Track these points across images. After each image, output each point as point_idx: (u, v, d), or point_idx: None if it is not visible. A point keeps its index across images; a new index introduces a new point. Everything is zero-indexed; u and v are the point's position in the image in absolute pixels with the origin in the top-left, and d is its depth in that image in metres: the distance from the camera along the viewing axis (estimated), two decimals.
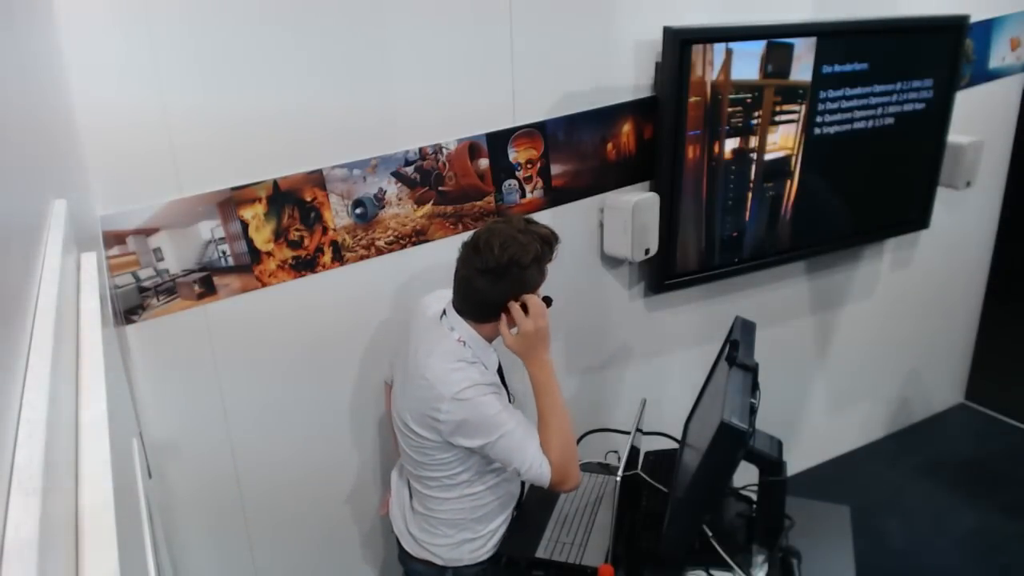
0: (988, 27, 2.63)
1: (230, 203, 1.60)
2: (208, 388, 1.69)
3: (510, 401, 1.51)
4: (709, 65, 1.99)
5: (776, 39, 2.08)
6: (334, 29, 1.60)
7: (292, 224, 1.68)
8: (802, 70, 2.14)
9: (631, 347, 2.34)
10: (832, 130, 2.27)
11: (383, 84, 1.69)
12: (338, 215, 1.72)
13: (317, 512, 1.93)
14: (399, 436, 1.57)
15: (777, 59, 2.09)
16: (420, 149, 1.78)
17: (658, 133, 2.06)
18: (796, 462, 2.81)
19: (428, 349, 1.47)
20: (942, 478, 2.91)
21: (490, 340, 1.52)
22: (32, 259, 0.65)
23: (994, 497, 2.78)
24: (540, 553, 1.59)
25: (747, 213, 2.25)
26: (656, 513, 1.60)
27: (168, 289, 1.59)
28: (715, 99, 2.04)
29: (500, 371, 1.57)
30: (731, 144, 2.13)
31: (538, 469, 1.42)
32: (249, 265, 1.65)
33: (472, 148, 1.84)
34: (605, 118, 2.01)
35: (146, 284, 1.56)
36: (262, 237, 1.65)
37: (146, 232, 1.54)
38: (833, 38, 2.15)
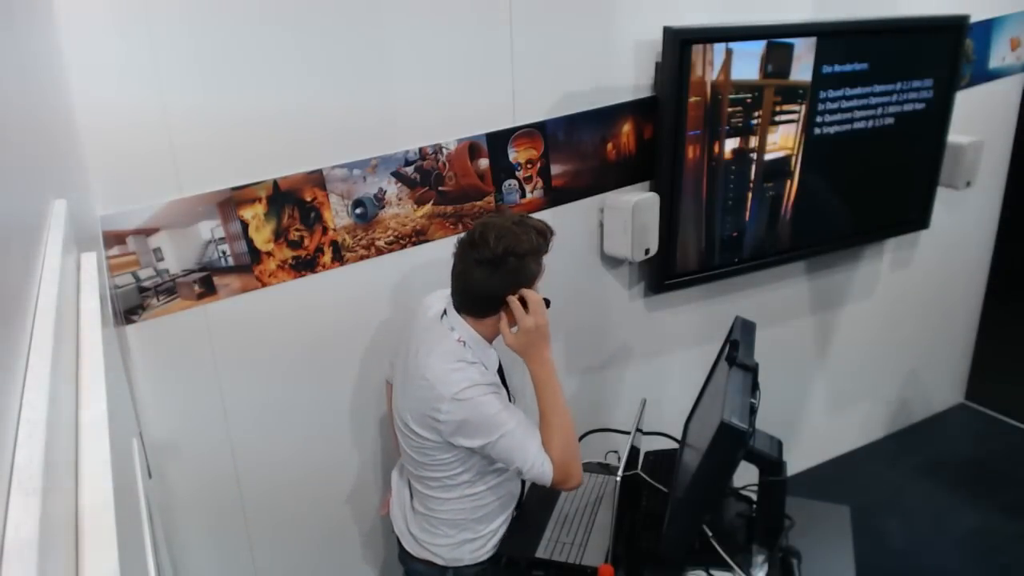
0: (988, 27, 2.63)
1: (230, 203, 1.60)
2: (208, 388, 1.69)
3: (510, 400, 1.51)
4: (709, 65, 1.99)
5: (776, 39, 2.08)
6: (334, 29, 1.60)
7: (292, 224, 1.68)
8: (802, 70, 2.14)
9: (631, 347, 2.34)
10: (832, 130, 2.27)
11: (383, 84, 1.69)
12: (338, 215, 1.72)
13: (317, 512, 1.93)
14: (400, 436, 1.57)
15: (777, 59, 2.09)
16: (420, 149, 1.78)
17: (658, 133, 2.06)
18: (796, 462, 2.81)
19: (428, 349, 1.47)
20: (942, 478, 2.91)
21: (490, 340, 1.52)
22: (32, 259, 0.65)
23: (994, 497, 2.78)
24: (540, 553, 1.59)
25: (747, 213, 2.25)
26: (656, 513, 1.60)
27: (168, 289, 1.59)
28: (715, 99, 2.04)
29: (500, 371, 1.57)
30: (731, 144, 2.13)
31: (540, 468, 1.42)
32: (249, 265, 1.65)
33: (472, 148, 1.84)
34: (605, 118, 2.01)
35: (146, 284, 1.56)
36: (262, 237, 1.65)
37: (146, 232, 1.54)
38: (833, 38, 2.15)
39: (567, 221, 2.01)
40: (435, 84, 1.75)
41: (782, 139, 2.21)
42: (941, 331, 3.17)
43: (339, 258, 1.75)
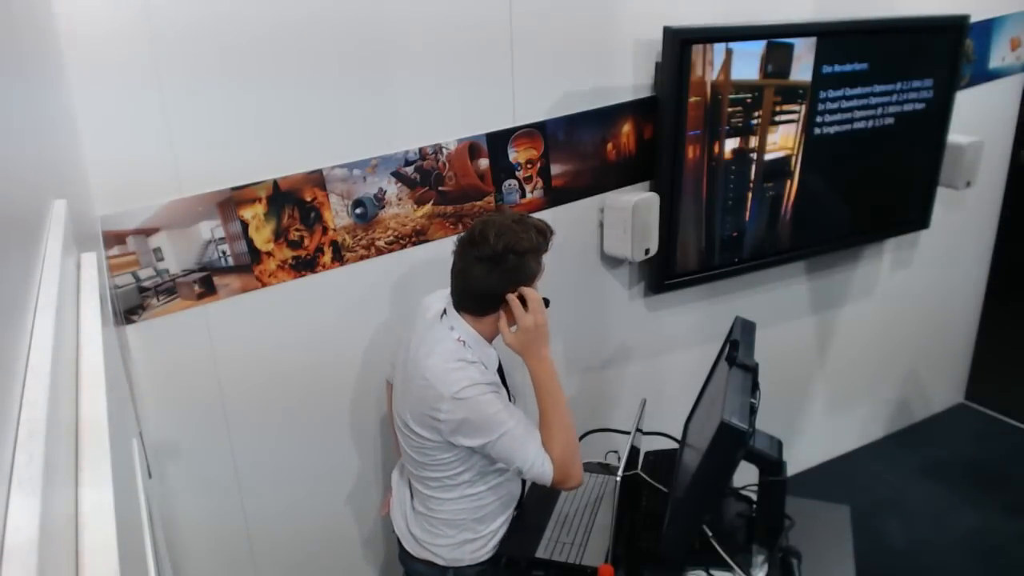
0: (988, 27, 2.63)
1: (230, 203, 1.60)
2: (208, 388, 1.69)
3: (510, 400, 1.50)
4: (709, 65, 1.99)
5: (776, 39, 2.08)
6: (334, 29, 1.60)
7: (292, 224, 1.68)
8: (802, 70, 2.14)
9: (631, 347, 2.34)
10: (832, 130, 2.27)
11: (383, 84, 1.69)
12: (338, 215, 1.72)
13: (317, 512, 1.93)
14: (400, 436, 1.57)
15: (777, 59, 2.09)
16: (420, 149, 1.78)
17: (658, 133, 2.06)
18: (796, 462, 2.81)
19: (428, 349, 1.47)
20: (942, 478, 2.91)
21: (490, 339, 1.52)
22: (32, 259, 0.65)
23: (994, 497, 2.78)
24: (540, 553, 1.59)
25: (747, 213, 2.25)
26: (656, 513, 1.60)
27: (168, 289, 1.59)
28: (715, 99, 2.04)
29: (500, 370, 1.57)
30: (731, 144, 2.13)
31: (540, 467, 1.42)
32: (249, 265, 1.65)
33: (472, 148, 1.84)
34: (605, 118, 2.01)
35: (146, 284, 1.56)
36: (262, 237, 1.65)
37: (146, 232, 1.54)
38: (833, 38, 2.15)
39: (567, 221, 2.01)
40: (435, 84, 1.75)
41: (782, 139, 2.21)
42: (941, 331, 3.17)
43: (339, 258, 1.75)
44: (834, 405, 2.96)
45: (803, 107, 2.19)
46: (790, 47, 2.11)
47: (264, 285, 1.68)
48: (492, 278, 1.44)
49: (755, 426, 1.37)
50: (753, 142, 2.16)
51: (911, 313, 2.99)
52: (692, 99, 2.01)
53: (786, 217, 2.32)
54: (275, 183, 1.63)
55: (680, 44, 1.91)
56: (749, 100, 2.10)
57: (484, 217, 1.50)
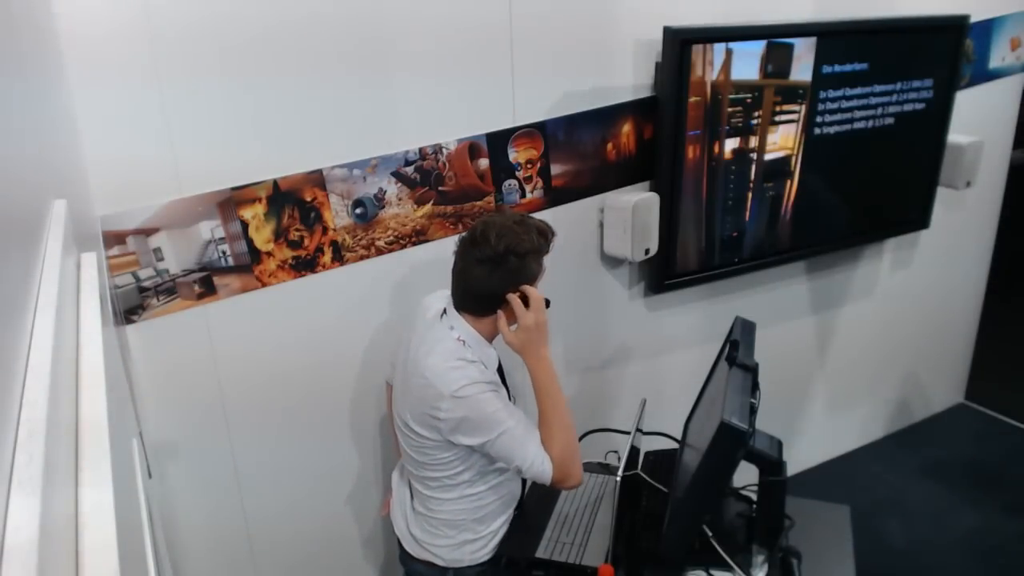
0: (988, 27, 2.63)
1: (230, 203, 1.60)
2: (208, 388, 1.69)
3: (510, 399, 1.51)
4: (709, 65, 1.99)
5: (776, 39, 2.08)
6: (334, 29, 1.60)
7: (292, 224, 1.68)
8: (802, 70, 2.14)
9: (631, 347, 2.34)
10: (832, 130, 2.27)
11: (383, 84, 1.69)
12: (338, 215, 1.72)
13: (317, 512, 1.93)
14: (400, 436, 1.57)
15: (777, 59, 2.09)
16: (420, 149, 1.78)
17: (658, 133, 2.06)
18: (796, 462, 2.81)
19: (428, 348, 1.47)
20: (942, 478, 2.91)
21: (490, 338, 1.52)
22: (32, 259, 0.65)
23: (994, 497, 2.78)
24: (540, 553, 1.59)
25: (747, 213, 2.25)
26: (656, 513, 1.60)
27: (168, 289, 1.59)
28: (715, 99, 2.04)
29: (500, 370, 1.57)
30: (731, 144, 2.13)
31: (540, 466, 1.42)
32: (249, 265, 1.65)
33: (472, 148, 1.84)
34: (605, 118, 2.01)
35: (146, 284, 1.56)
36: (262, 237, 1.65)
37: (146, 232, 1.54)
38: (833, 38, 2.15)
39: (567, 221, 2.01)
40: (435, 84, 1.75)
41: (782, 139, 2.21)
42: (941, 331, 3.17)
43: (339, 258, 1.75)
44: (834, 405, 2.96)
45: (803, 107, 2.19)
46: (790, 47, 2.11)
47: (264, 285, 1.68)
48: (493, 279, 1.44)
49: (755, 426, 1.37)
50: (753, 142, 2.16)
51: (911, 313, 2.99)
52: (692, 99, 2.01)
53: (786, 217, 2.32)
54: (275, 183, 1.63)
55: (680, 44, 1.91)
56: (749, 100, 2.10)
57: (485, 218, 1.50)
